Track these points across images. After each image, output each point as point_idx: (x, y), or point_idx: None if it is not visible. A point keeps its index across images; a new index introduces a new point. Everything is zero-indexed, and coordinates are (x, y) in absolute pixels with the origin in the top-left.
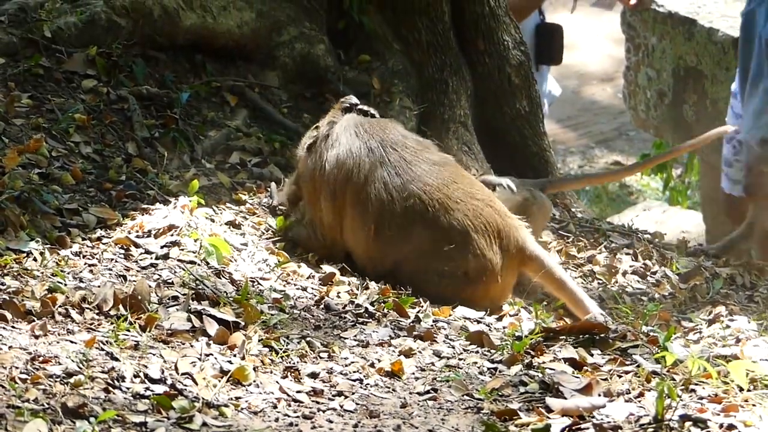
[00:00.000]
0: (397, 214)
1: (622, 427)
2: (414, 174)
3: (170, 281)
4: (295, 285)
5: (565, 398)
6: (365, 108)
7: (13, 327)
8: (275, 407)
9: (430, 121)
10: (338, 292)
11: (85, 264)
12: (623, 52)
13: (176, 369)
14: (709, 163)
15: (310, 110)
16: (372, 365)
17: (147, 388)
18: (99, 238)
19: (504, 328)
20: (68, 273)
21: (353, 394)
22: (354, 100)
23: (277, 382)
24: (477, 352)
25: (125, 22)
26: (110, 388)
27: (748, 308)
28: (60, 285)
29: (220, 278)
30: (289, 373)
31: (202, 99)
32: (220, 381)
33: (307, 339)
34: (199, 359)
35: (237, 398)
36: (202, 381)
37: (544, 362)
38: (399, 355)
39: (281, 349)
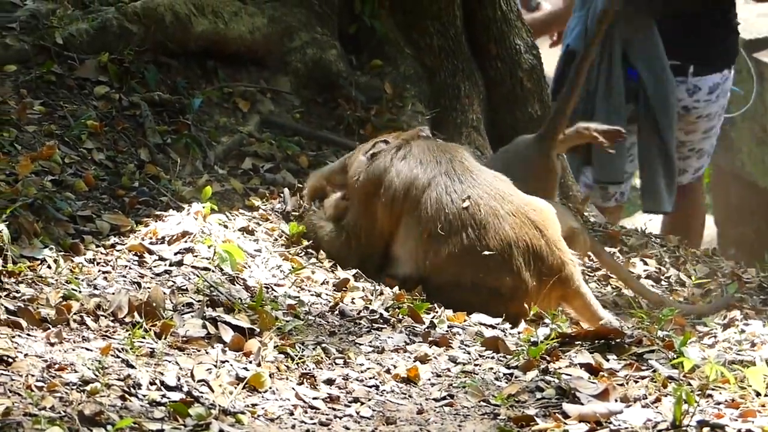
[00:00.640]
0: (451, 217)
1: None
2: (474, 182)
3: (185, 288)
4: (309, 291)
5: (582, 404)
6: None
7: (28, 335)
8: (292, 414)
9: (443, 126)
10: (353, 298)
11: (99, 271)
12: None
13: (192, 376)
14: (720, 166)
15: (322, 115)
16: (388, 371)
17: (163, 396)
18: (113, 245)
19: (519, 333)
20: (82, 280)
21: (369, 400)
22: (428, 132)
23: (293, 388)
24: (493, 357)
25: (137, 28)
26: (126, 396)
27: (764, 312)
28: (74, 292)
29: (235, 285)
30: (305, 380)
31: (215, 105)
32: (236, 388)
33: (323, 345)
34: (215, 366)
35: (253, 405)
36: (218, 388)
37: (560, 368)
38: (414, 361)
39: (297, 356)
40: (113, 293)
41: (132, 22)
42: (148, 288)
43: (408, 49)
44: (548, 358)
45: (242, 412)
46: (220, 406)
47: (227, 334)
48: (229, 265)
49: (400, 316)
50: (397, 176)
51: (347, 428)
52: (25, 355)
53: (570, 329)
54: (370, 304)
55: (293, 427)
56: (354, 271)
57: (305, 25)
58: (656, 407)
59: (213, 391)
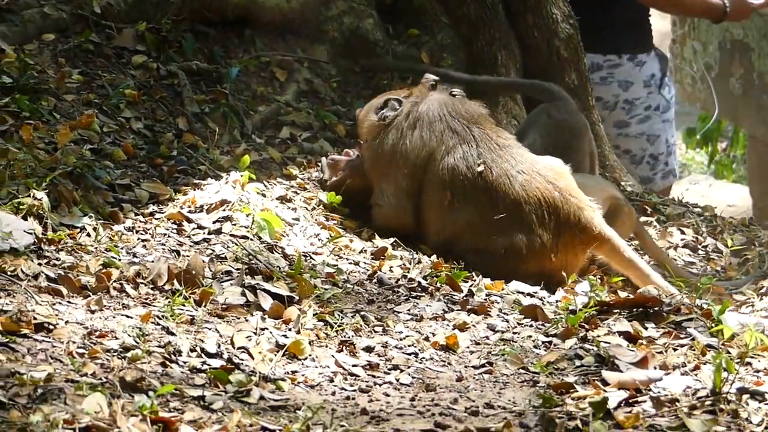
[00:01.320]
0: (468, 183)
1: (679, 400)
2: (490, 145)
3: (223, 256)
4: (347, 259)
5: (621, 371)
6: (452, 89)
7: (69, 302)
8: (331, 381)
9: (480, 95)
10: (390, 266)
11: (139, 239)
12: (669, 26)
13: (232, 343)
14: (755, 137)
15: (359, 84)
16: (426, 339)
17: (204, 363)
18: (152, 214)
19: (557, 301)
20: (122, 248)
21: (409, 367)
22: (434, 77)
23: (332, 356)
24: (531, 325)
25: None
26: (167, 363)
27: None
28: (114, 260)
29: (273, 253)
30: (344, 347)
31: (252, 74)
32: (276, 355)
33: (362, 313)
34: (255, 333)
35: (293, 372)
36: (258, 355)
37: (598, 336)
38: (453, 329)
39: (336, 323)
40: (153, 261)
41: None
42: (187, 256)
43: (444, 19)
44: (587, 326)
45: (282, 379)
46: (260, 372)
47: (266, 302)
48: (268, 233)
49: (438, 284)
50: (412, 149)
51: (387, 395)
52: (66, 322)
53: (608, 298)
54: (408, 272)
55: (333, 393)
56: (392, 239)
57: None
58: (695, 375)
59: (253, 358)
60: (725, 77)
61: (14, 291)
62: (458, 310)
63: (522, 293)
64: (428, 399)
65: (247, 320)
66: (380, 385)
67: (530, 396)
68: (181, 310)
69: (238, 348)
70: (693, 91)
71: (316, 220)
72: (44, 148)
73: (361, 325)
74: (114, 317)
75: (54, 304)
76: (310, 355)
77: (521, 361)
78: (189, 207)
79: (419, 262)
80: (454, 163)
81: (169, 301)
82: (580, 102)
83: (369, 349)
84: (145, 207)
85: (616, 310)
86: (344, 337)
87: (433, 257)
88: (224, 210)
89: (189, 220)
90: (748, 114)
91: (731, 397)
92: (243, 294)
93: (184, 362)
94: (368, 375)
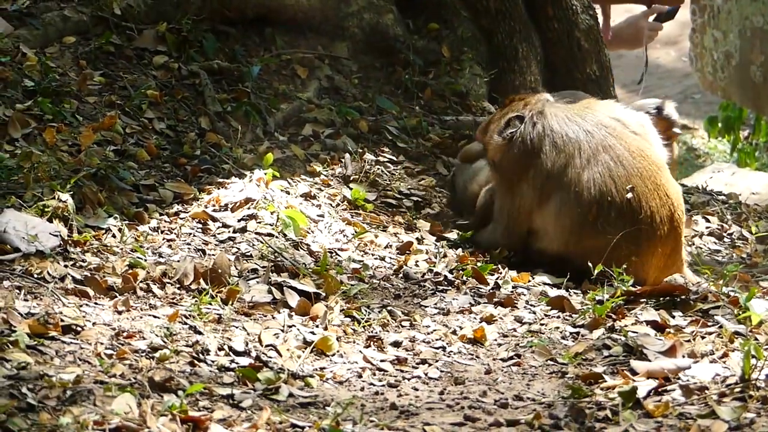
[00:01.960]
0: (614, 205)
1: (708, 388)
2: (635, 167)
3: (249, 254)
4: (373, 255)
5: (650, 360)
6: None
7: (96, 303)
8: (360, 376)
9: (501, 88)
10: (416, 261)
11: (164, 239)
12: (688, 15)
13: (260, 341)
14: None
15: (380, 80)
16: (454, 332)
17: (232, 361)
18: (176, 213)
19: (584, 293)
20: (147, 248)
21: (437, 361)
22: (549, 97)
23: (360, 351)
24: (558, 317)
25: None
26: (195, 362)
27: None
28: (140, 260)
29: (299, 250)
30: (372, 343)
31: (273, 72)
32: (303, 352)
33: (388, 308)
34: (282, 331)
35: (321, 368)
36: (286, 352)
37: (626, 325)
38: (480, 322)
39: (363, 319)
40: (178, 261)
41: None
42: (213, 255)
43: (464, 12)
44: (614, 316)
45: (311, 376)
46: (288, 370)
47: (293, 299)
48: (293, 230)
49: (465, 278)
50: (548, 157)
51: (416, 389)
52: (94, 323)
53: (634, 288)
54: (434, 266)
55: (362, 389)
56: (417, 234)
57: None
58: (724, 362)
59: (281, 355)
60: (746, 65)
61: (41, 294)
62: (485, 303)
63: (549, 285)
64: (457, 392)
65: (274, 318)
66: (409, 379)
67: (559, 387)
68: (208, 309)
69: (266, 346)
70: (714, 80)
71: (340, 216)
72: (68, 151)
73: (388, 320)
74: (141, 317)
75: (81, 306)
76: (337, 351)
77: (549, 353)
78: (213, 206)
79: (445, 255)
80: (600, 179)
81: (196, 301)
82: (601, 92)
83: (397, 344)
84: (170, 207)
85: (643, 300)
86: (371, 332)
87: (459, 251)
88: (249, 208)
89: (214, 219)
90: None
91: (760, 383)
92: (269, 292)
93: (213, 361)
94: (396, 370)
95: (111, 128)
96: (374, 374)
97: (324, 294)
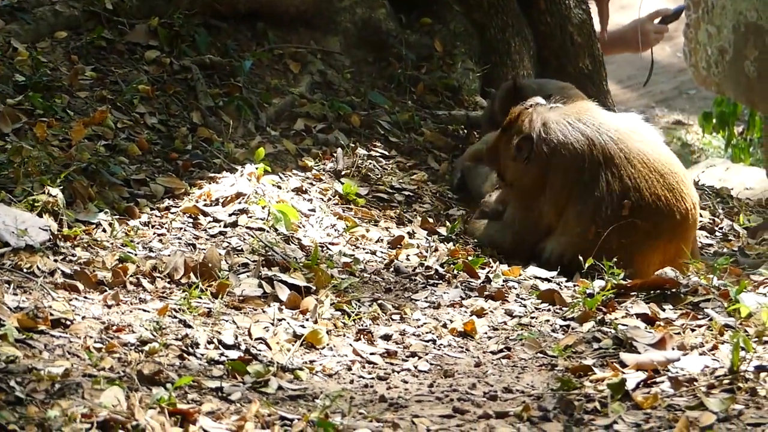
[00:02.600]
0: (613, 212)
1: (697, 380)
2: (634, 177)
3: (240, 248)
4: (364, 249)
5: (639, 353)
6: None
7: (85, 297)
8: (350, 369)
9: (494, 82)
10: (407, 255)
11: (155, 234)
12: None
13: (249, 334)
14: None
15: (372, 75)
16: (444, 326)
17: (221, 354)
18: (167, 208)
19: (575, 286)
20: (138, 243)
21: (427, 354)
22: (541, 100)
23: (350, 344)
24: (549, 310)
25: None
26: (185, 355)
27: None
28: (130, 255)
29: (289, 244)
30: (362, 336)
31: (265, 66)
32: (293, 345)
33: (379, 302)
34: (272, 324)
35: (311, 362)
36: (276, 345)
37: (616, 318)
38: (471, 315)
39: (353, 313)
40: (169, 255)
41: None
42: (204, 249)
43: (457, 7)
44: (604, 309)
45: (300, 369)
46: (278, 363)
47: (283, 293)
48: (284, 225)
49: (455, 272)
50: (560, 169)
51: (405, 382)
52: (83, 317)
53: (624, 281)
54: (425, 260)
55: (351, 382)
56: (408, 228)
57: None
58: (713, 354)
59: (270, 348)
60: (740, 61)
61: (30, 288)
62: (476, 296)
63: (539, 278)
64: (446, 385)
65: (264, 311)
66: (398, 372)
67: (548, 379)
68: (198, 302)
69: (256, 339)
70: (708, 75)
71: (332, 210)
72: (58, 145)
73: (378, 314)
74: (131, 311)
75: (70, 300)
76: (327, 345)
77: (539, 346)
78: (204, 200)
79: (436, 249)
80: (601, 191)
81: (186, 294)
82: (594, 87)
83: (387, 337)
84: (161, 201)
85: (633, 293)
86: (362, 325)
87: (450, 245)
88: (240, 203)
89: (205, 214)
90: (763, 97)
91: (749, 375)
92: (260, 285)
93: (202, 354)
94: (386, 363)
95: (102, 123)
96: (364, 367)
97: (314, 288)
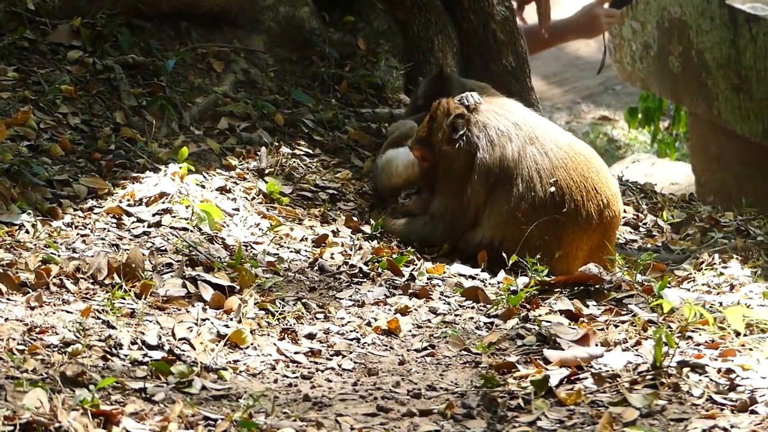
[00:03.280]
0: (539, 198)
1: (620, 376)
2: (560, 158)
3: (163, 248)
4: (288, 248)
5: (563, 349)
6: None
7: (8, 299)
8: (273, 369)
9: (417, 80)
10: (332, 254)
11: (78, 234)
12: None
13: (173, 335)
14: (696, 114)
15: (296, 73)
16: (368, 324)
17: (145, 355)
18: (90, 209)
19: (499, 283)
20: (61, 244)
21: (351, 353)
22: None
23: (274, 344)
24: (473, 307)
25: None
26: (108, 356)
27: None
28: (53, 256)
29: (214, 244)
30: (286, 335)
31: (188, 66)
32: (217, 345)
33: (303, 301)
34: (196, 324)
35: (235, 361)
36: (200, 345)
37: (540, 315)
38: (395, 314)
39: (277, 312)
40: (92, 256)
41: None
42: (127, 250)
43: (380, 5)
44: (528, 305)
45: (224, 369)
46: (201, 363)
47: (207, 293)
48: (208, 224)
49: (380, 270)
50: (487, 152)
51: (329, 381)
52: (6, 319)
53: (549, 277)
54: (349, 258)
55: (275, 381)
56: (333, 226)
57: None
58: (636, 350)
59: (194, 348)
60: (664, 56)
61: None
62: (400, 294)
63: (464, 275)
64: (370, 383)
65: (188, 311)
66: (322, 371)
67: (472, 377)
68: (122, 303)
69: (180, 339)
70: (633, 71)
71: (256, 209)
72: None
73: (302, 313)
74: (54, 313)
75: None
76: (251, 344)
77: (463, 343)
78: (128, 201)
79: (360, 248)
80: (528, 173)
81: (110, 295)
82: (518, 84)
83: (311, 336)
84: (84, 202)
85: (557, 289)
86: (286, 325)
87: (374, 243)
88: (163, 202)
89: (128, 214)
90: (688, 91)
91: (672, 371)
92: (184, 285)
93: (125, 355)
94: (310, 362)
95: (24, 123)
96: (288, 366)
97: (238, 287)
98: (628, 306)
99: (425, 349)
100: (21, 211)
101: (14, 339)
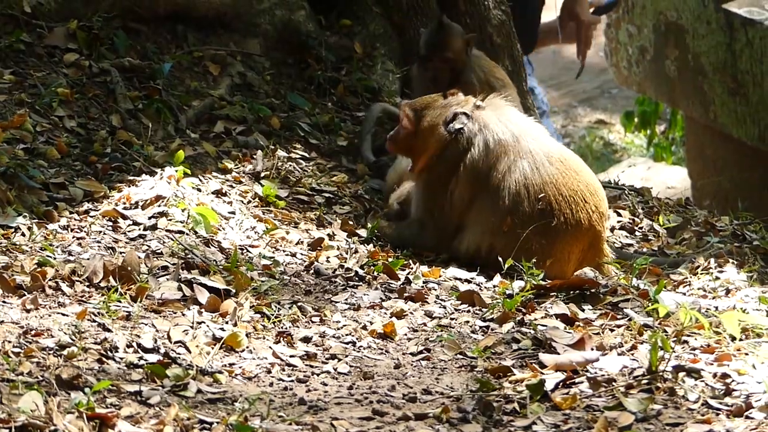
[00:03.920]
0: (527, 210)
1: (616, 380)
2: (551, 174)
3: (159, 251)
4: (284, 251)
5: (558, 353)
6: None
7: (3, 302)
8: (269, 372)
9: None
10: (327, 257)
11: (74, 237)
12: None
13: (169, 338)
14: (693, 118)
15: (292, 76)
16: (364, 328)
17: (140, 358)
18: (86, 212)
19: (494, 287)
20: (57, 247)
21: (346, 356)
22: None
23: (270, 347)
24: (468, 311)
25: None
26: (104, 359)
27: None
28: (49, 259)
29: (209, 247)
30: (281, 338)
31: (185, 69)
32: (213, 348)
33: (299, 304)
34: (192, 327)
35: (231, 364)
36: (195, 349)
37: (535, 319)
38: (391, 317)
39: (273, 315)
40: (88, 259)
41: None
42: (123, 252)
43: (376, 8)
44: (524, 309)
45: (220, 372)
46: (197, 366)
47: (203, 296)
48: (204, 227)
49: (376, 273)
50: (478, 156)
51: (325, 384)
52: (1, 321)
53: (544, 281)
54: (345, 262)
55: (271, 384)
56: (329, 230)
57: None
58: (632, 354)
59: (190, 352)
60: (660, 59)
61: None
62: (396, 298)
63: (459, 279)
64: (366, 387)
65: (183, 314)
66: (318, 374)
67: (468, 381)
68: (117, 306)
69: (175, 342)
70: (629, 75)
71: (252, 213)
72: None
73: (298, 316)
74: (50, 316)
75: None
76: (247, 347)
77: (458, 347)
78: (124, 204)
79: (356, 251)
80: (516, 187)
81: (105, 298)
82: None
83: (306, 340)
84: (80, 205)
85: (552, 293)
86: (281, 328)
87: (370, 246)
88: (159, 206)
89: (124, 217)
90: (684, 95)
91: (667, 375)
92: (179, 288)
93: (121, 358)
94: (306, 365)
95: (21, 126)
96: (283, 370)
97: (234, 290)
98: (623, 310)
99: (421, 352)
100: (17, 214)
101: (10, 342)
